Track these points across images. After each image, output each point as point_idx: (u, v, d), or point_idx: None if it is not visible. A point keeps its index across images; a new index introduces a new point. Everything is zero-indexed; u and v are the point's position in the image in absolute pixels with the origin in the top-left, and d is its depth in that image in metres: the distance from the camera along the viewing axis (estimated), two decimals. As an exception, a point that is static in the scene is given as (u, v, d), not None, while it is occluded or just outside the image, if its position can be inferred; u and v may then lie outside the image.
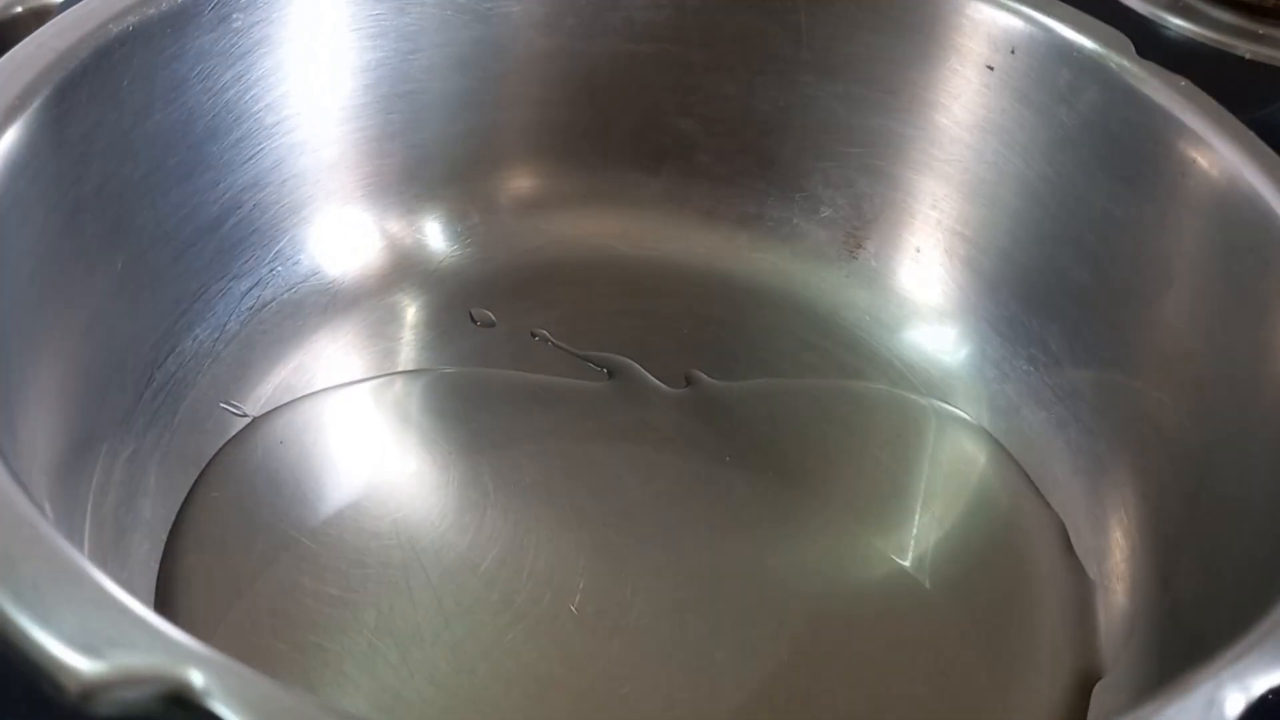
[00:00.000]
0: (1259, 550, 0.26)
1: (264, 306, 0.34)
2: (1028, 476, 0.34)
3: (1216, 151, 0.31)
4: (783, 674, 0.29)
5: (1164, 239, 0.32)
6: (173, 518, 0.30)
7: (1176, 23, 0.48)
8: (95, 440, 0.28)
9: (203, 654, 0.18)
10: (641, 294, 0.38)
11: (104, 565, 0.20)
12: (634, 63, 0.38)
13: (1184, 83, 0.33)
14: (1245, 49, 0.47)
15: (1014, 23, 0.35)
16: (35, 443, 0.25)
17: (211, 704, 0.17)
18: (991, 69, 0.35)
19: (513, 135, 0.39)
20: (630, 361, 0.36)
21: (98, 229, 0.29)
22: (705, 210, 0.40)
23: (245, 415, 0.32)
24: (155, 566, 0.29)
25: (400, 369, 0.35)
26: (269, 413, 0.33)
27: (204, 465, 0.31)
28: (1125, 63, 0.33)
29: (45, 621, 0.18)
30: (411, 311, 0.36)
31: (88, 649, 0.17)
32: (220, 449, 0.32)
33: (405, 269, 0.37)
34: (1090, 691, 0.30)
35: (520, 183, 0.39)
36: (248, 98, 0.32)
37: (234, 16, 0.31)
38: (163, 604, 0.28)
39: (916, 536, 0.33)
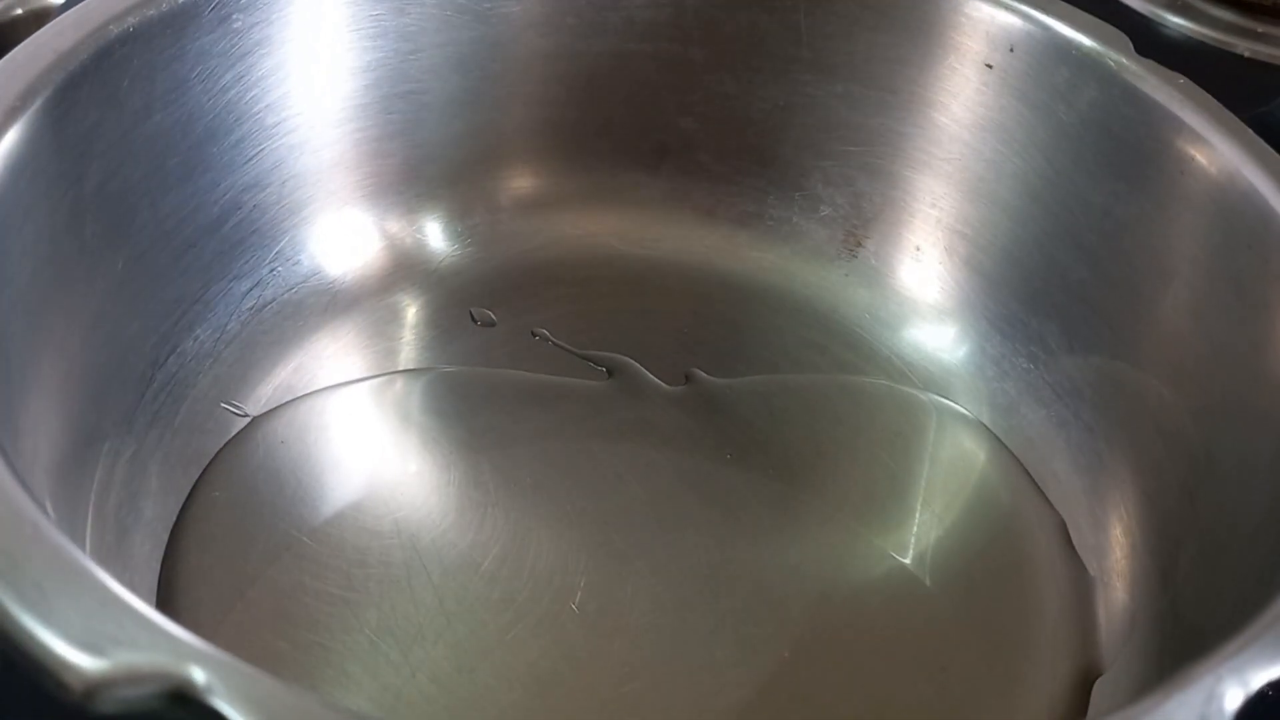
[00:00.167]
0: (1258, 546, 0.26)
1: (265, 306, 0.34)
2: (1028, 474, 0.34)
3: (1215, 149, 0.31)
4: (783, 672, 0.29)
5: (1163, 237, 0.32)
6: (174, 517, 0.30)
7: (1175, 21, 0.48)
8: (97, 440, 0.29)
9: (205, 651, 0.18)
10: (641, 293, 0.38)
11: (106, 564, 0.20)
12: (634, 62, 0.38)
13: (1183, 81, 0.33)
14: (1244, 47, 0.47)
15: (1013, 21, 0.35)
16: (37, 442, 0.25)
17: (214, 701, 0.17)
18: (990, 67, 0.35)
19: (513, 135, 0.39)
20: (630, 360, 0.36)
21: (98, 229, 0.29)
22: (705, 209, 0.40)
23: (246, 415, 0.33)
24: (157, 566, 0.29)
25: (401, 368, 0.35)
26: (270, 412, 0.33)
27: (205, 465, 0.31)
28: (1124, 61, 0.33)
29: (48, 620, 0.18)
30: (412, 311, 0.37)
31: (91, 647, 0.17)
32: (221, 449, 0.32)
33: (405, 269, 0.37)
34: (1090, 687, 0.30)
35: (520, 182, 0.39)
36: (248, 98, 0.33)
37: (234, 17, 0.31)
38: (164, 604, 0.28)
39: (917, 534, 0.33)
